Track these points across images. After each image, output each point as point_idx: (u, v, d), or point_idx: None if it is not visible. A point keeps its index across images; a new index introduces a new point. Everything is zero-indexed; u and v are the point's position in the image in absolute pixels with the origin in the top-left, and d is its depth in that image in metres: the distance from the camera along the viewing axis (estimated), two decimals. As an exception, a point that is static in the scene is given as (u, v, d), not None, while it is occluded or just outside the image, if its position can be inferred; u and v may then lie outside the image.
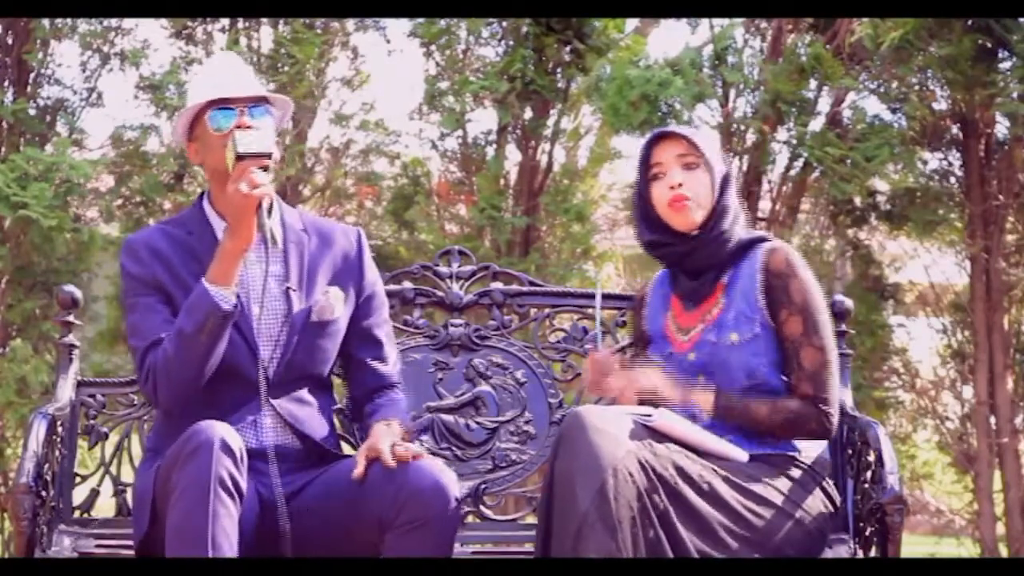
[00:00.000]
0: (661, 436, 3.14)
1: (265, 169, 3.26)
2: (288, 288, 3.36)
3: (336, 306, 3.41)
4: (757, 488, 3.19)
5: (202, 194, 3.48)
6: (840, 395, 3.44)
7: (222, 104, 3.35)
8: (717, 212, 3.40)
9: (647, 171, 3.44)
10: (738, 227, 3.43)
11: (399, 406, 3.45)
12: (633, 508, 3.01)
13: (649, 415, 3.16)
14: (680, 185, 3.39)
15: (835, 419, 3.35)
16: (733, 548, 3.11)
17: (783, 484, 3.24)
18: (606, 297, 4.03)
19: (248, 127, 3.31)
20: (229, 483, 3.00)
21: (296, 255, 3.40)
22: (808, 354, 3.34)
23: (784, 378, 3.38)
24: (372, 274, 3.52)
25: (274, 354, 3.34)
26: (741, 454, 3.23)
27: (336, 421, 3.65)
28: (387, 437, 3.22)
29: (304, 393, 3.39)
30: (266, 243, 3.26)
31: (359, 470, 3.15)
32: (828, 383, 3.33)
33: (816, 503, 3.27)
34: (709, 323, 3.39)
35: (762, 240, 3.44)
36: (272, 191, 3.27)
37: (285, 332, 3.34)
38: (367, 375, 3.49)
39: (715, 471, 3.16)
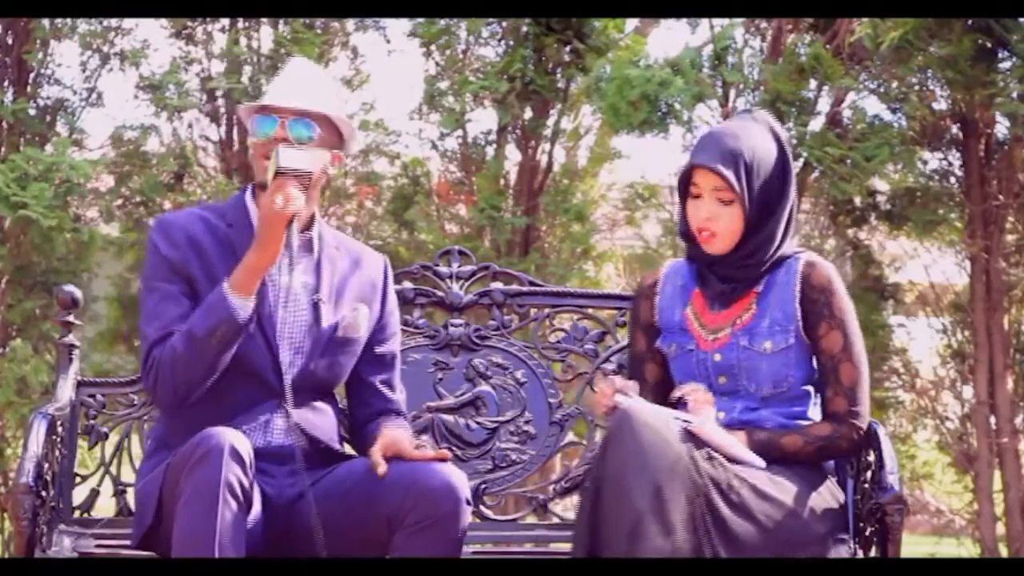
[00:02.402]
0: (698, 440, 3.14)
1: (305, 188, 3.24)
2: (317, 299, 3.35)
3: (362, 324, 3.41)
4: (777, 494, 3.19)
5: (246, 187, 3.46)
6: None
7: (267, 111, 3.34)
8: (758, 239, 3.35)
9: (688, 184, 3.38)
10: (780, 250, 3.37)
11: (405, 429, 3.44)
12: (684, 511, 3.01)
13: (689, 420, 3.16)
14: (708, 220, 3.34)
15: (863, 434, 3.35)
16: (752, 552, 3.11)
17: (798, 488, 3.24)
18: (605, 297, 4.03)
19: (289, 141, 3.28)
20: (238, 489, 3.00)
21: (328, 270, 3.40)
22: (847, 370, 3.33)
23: (807, 388, 3.38)
24: (392, 303, 3.54)
25: (294, 360, 3.34)
26: (760, 462, 3.24)
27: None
28: (402, 436, 3.24)
29: (317, 401, 3.39)
30: (291, 261, 3.25)
31: (382, 469, 3.14)
32: (861, 399, 3.34)
33: (825, 504, 3.29)
34: (740, 327, 3.37)
35: (797, 252, 3.41)
36: (303, 208, 3.24)
37: (308, 342, 3.34)
38: (374, 397, 3.50)
39: (744, 479, 3.15)
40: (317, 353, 3.35)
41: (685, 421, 3.14)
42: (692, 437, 3.12)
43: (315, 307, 3.35)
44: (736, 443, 3.22)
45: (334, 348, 3.37)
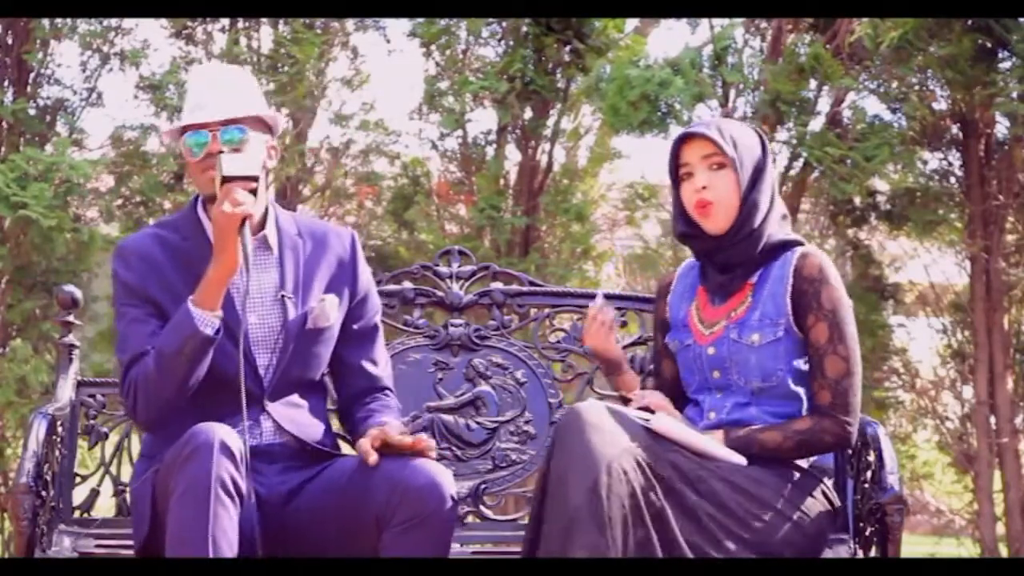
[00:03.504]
0: (660, 437, 3.14)
1: (252, 192, 3.23)
2: (283, 296, 3.35)
3: (331, 313, 3.40)
4: (755, 490, 3.18)
5: (196, 197, 3.46)
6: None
7: (196, 127, 3.34)
8: (745, 210, 3.37)
9: (677, 170, 3.42)
10: (772, 224, 3.38)
11: (393, 410, 3.44)
12: (625, 506, 3.00)
13: (647, 418, 3.16)
14: (704, 188, 3.36)
15: (854, 429, 3.31)
16: (731, 549, 3.10)
17: (781, 486, 3.23)
18: (605, 297, 4.03)
19: (222, 151, 3.28)
20: (229, 484, 2.99)
21: (292, 261, 3.39)
22: (832, 363, 3.31)
23: (799, 388, 3.37)
24: (365, 277, 3.51)
25: (271, 362, 3.34)
26: (739, 459, 3.23)
27: (333, 421, 3.65)
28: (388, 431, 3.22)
29: (299, 398, 3.39)
30: (247, 263, 3.21)
31: (372, 458, 3.14)
32: (848, 393, 3.30)
33: (815, 505, 3.27)
34: (733, 321, 3.38)
35: (796, 243, 3.40)
36: (253, 210, 3.23)
37: (281, 340, 3.34)
38: (358, 377, 3.48)
39: (713, 471, 3.15)
40: (291, 350, 3.35)
41: (644, 420, 3.15)
42: (653, 434, 3.13)
43: (283, 304, 3.35)
44: (703, 438, 3.22)
45: (306, 341, 3.37)
